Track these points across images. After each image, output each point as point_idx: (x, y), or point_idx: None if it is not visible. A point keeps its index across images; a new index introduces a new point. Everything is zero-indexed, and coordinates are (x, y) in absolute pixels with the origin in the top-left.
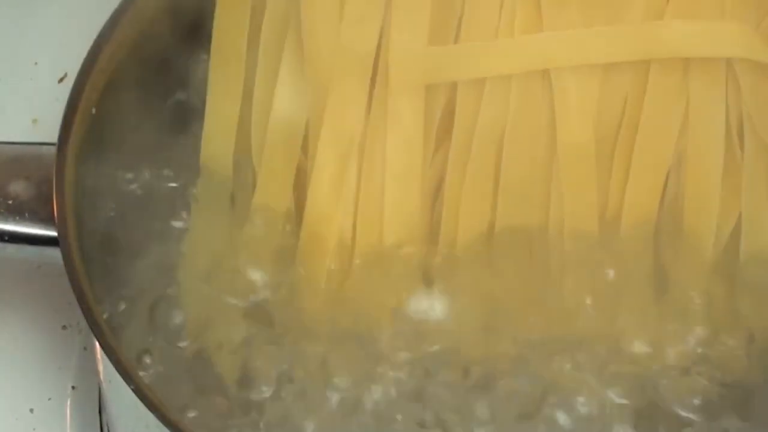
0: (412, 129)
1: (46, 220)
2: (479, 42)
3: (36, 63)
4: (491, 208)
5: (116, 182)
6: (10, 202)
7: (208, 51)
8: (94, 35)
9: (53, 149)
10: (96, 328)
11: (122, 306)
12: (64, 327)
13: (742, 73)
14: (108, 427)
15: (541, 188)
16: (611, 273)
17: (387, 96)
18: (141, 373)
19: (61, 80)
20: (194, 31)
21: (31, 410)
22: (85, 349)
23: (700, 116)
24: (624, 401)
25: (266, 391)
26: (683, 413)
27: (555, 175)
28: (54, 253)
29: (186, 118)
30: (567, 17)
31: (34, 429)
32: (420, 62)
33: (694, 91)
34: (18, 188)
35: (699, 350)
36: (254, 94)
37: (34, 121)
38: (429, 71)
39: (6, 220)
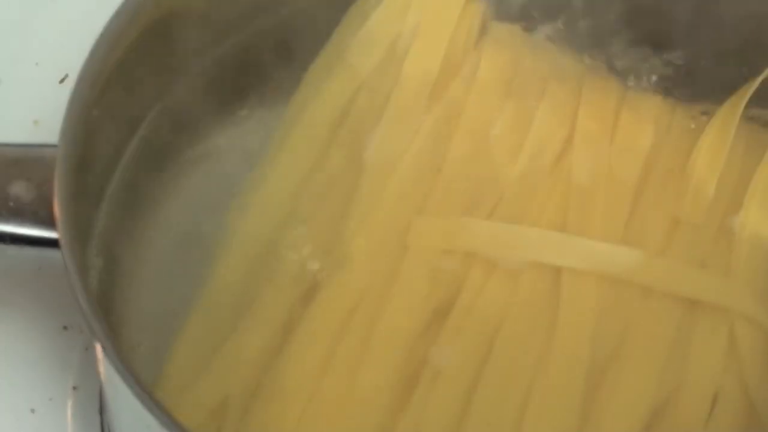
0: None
1: (47, 222)
2: (500, 223)
3: (37, 64)
4: (464, 404)
5: (117, 183)
6: (11, 203)
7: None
8: (94, 35)
9: (54, 150)
10: (96, 329)
11: (123, 306)
12: (65, 327)
13: (742, 333)
14: (109, 428)
15: (519, 399)
16: None
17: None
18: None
19: (62, 81)
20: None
21: (32, 410)
22: (86, 349)
23: (699, 363)
24: None
25: None
26: None
27: (538, 387)
28: (55, 255)
29: (186, 118)
30: (589, 225)
31: (35, 429)
32: (440, 228)
33: (697, 337)
34: (19, 190)
35: None
36: None
37: (35, 122)
38: (446, 238)
39: (7, 222)
